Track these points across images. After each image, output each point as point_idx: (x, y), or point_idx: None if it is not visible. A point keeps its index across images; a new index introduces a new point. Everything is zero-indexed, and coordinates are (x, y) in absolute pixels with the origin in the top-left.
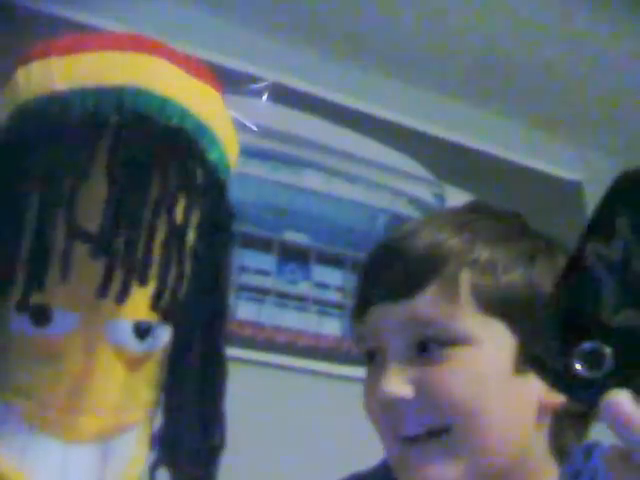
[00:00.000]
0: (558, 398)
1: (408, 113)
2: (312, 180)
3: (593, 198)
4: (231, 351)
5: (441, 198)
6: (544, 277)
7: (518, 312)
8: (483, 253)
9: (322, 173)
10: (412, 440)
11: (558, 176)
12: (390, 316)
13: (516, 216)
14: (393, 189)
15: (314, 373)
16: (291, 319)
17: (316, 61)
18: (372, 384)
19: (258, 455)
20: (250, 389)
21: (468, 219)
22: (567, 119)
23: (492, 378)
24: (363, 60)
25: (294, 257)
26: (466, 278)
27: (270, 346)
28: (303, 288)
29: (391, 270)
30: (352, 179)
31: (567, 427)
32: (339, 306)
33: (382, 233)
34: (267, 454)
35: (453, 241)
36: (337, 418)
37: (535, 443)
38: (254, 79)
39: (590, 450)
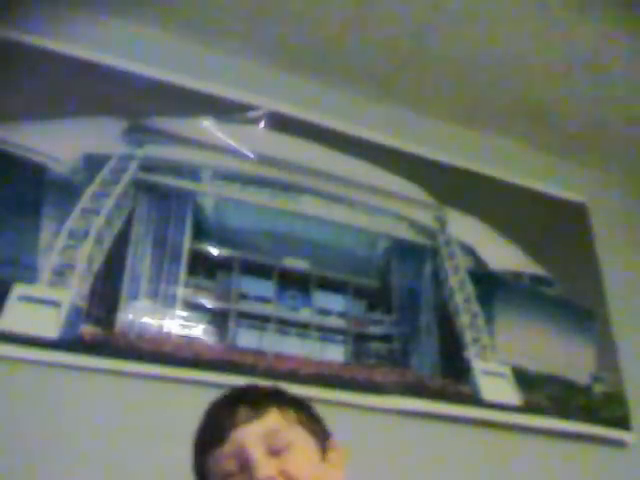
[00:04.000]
0: None
1: (406, 137)
2: (311, 206)
3: (597, 220)
4: (232, 380)
5: (442, 221)
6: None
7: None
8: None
9: (321, 199)
10: None
11: (562, 198)
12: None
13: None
14: (393, 213)
15: (317, 401)
16: (293, 346)
17: (312, 87)
18: None
19: None
20: None
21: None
22: (571, 141)
23: (314, 460)
24: (360, 86)
25: (294, 283)
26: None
27: (272, 374)
28: (304, 315)
29: (244, 404)
30: (352, 204)
31: None
32: (341, 332)
33: (382, 257)
34: None
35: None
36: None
37: None
38: (250, 107)
39: None
